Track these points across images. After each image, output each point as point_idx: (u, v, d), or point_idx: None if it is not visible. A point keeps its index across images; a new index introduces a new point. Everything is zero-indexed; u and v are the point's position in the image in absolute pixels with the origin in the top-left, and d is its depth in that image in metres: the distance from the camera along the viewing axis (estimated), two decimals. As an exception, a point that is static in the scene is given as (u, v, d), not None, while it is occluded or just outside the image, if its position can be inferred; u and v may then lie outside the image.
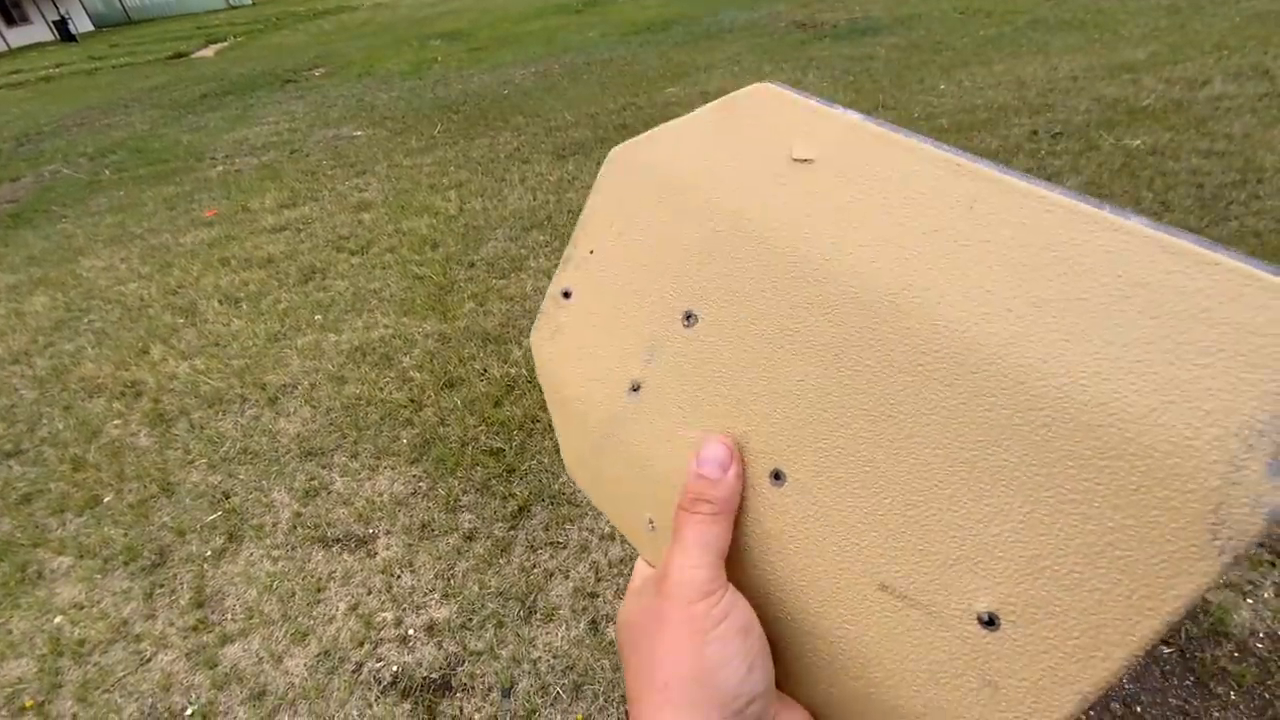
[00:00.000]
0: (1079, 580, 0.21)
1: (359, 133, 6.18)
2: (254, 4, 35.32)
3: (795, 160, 0.30)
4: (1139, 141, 3.61)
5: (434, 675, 1.61)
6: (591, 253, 0.38)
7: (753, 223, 0.31)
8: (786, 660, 0.31)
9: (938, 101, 4.68)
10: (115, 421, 2.66)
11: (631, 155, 0.38)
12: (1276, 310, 0.18)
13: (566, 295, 0.40)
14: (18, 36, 28.67)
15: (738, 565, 0.31)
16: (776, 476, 0.30)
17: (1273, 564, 1.55)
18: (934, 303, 0.25)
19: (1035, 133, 3.95)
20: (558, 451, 2.32)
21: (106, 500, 2.28)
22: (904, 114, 4.54)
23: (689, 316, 0.33)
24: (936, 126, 4.25)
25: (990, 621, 0.23)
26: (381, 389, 2.60)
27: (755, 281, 0.30)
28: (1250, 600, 1.50)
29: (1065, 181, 3.32)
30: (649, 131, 0.37)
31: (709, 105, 0.35)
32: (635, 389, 0.35)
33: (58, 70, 15.57)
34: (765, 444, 0.30)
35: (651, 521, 0.36)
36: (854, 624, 0.27)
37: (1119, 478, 0.20)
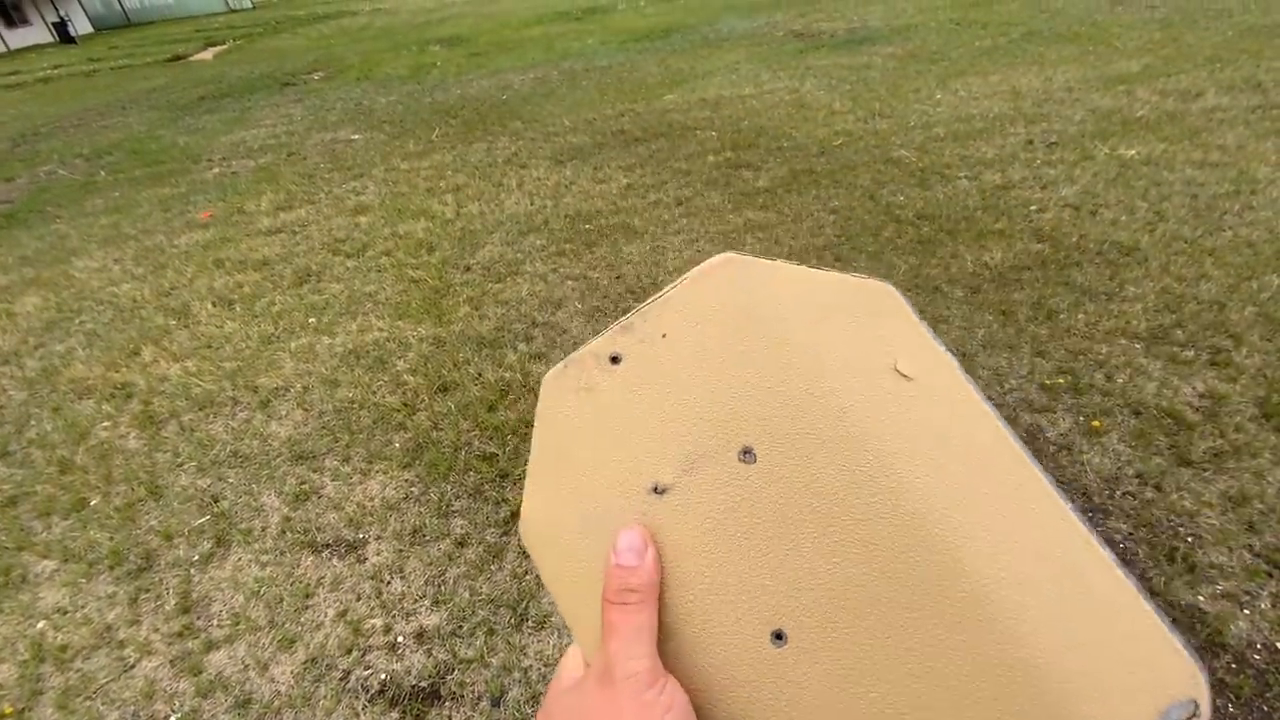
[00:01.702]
0: None
1: (357, 136, 6.18)
2: (254, 8, 35.41)
3: (897, 371, 0.32)
4: (1134, 152, 3.63)
5: (423, 684, 1.58)
6: (664, 336, 0.37)
7: (843, 405, 0.32)
8: None
9: (934, 111, 4.71)
10: (104, 423, 2.63)
11: (745, 271, 0.36)
12: (1165, 655, 0.27)
13: (615, 360, 0.38)
14: (17, 38, 28.66)
15: (701, 685, 0.34)
16: (779, 636, 0.32)
17: (1269, 574, 1.54)
18: (970, 551, 0.29)
19: (1031, 142, 3.97)
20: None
21: (93, 503, 2.25)
22: (900, 122, 4.56)
23: (747, 452, 0.33)
24: (933, 135, 4.27)
25: None
26: (375, 393, 2.58)
27: (827, 458, 0.32)
28: (1247, 611, 1.48)
29: (1059, 191, 3.34)
30: (772, 261, 0.37)
31: (836, 275, 0.35)
32: (659, 491, 0.35)
33: (56, 71, 15.55)
34: (779, 602, 0.32)
35: None
36: None
37: None
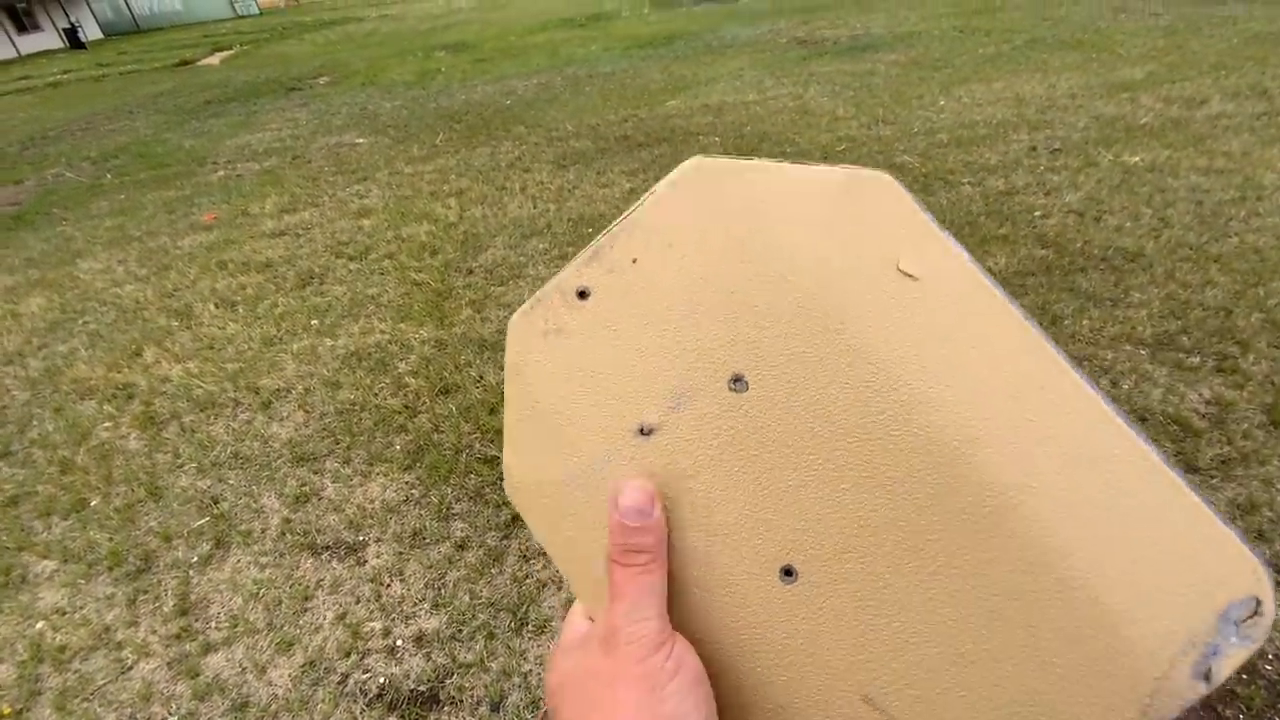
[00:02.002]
0: None
1: (361, 140, 6.20)
2: (261, 14, 35.72)
3: (900, 271, 0.29)
4: (1138, 158, 3.63)
5: (421, 688, 1.57)
6: (635, 262, 0.33)
7: (844, 320, 0.29)
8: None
9: (937, 117, 4.71)
10: (106, 424, 2.63)
11: (719, 179, 0.33)
12: (1221, 552, 0.24)
13: (583, 295, 0.34)
14: (28, 43, 28.97)
15: (706, 629, 0.32)
16: (788, 572, 0.30)
17: (1279, 584, 1.52)
18: (994, 464, 0.27)
19: (1034, 148, 3.97)
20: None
21: (94, 504, 2.25)
22: (904, 129, 4.57)
23: (738, 380, 0.31)
24: (936, 141, 4.27)
25: None
26: (376, 395, 2.57)
27: (827, 376, 0.29)
28: (1256, 620, 1.47)
29: (1063, 197, 3.33)
30: (747, 160, 0.33)
31: (824, 169, 0.31)
32: (646, 432, 0.32)
33: (66, 76, 15.69)
34: (785, 536, 0.30)
35: None
36: None
37: (1090, 651, 0.25)
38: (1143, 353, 2.27)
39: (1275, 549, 1.60)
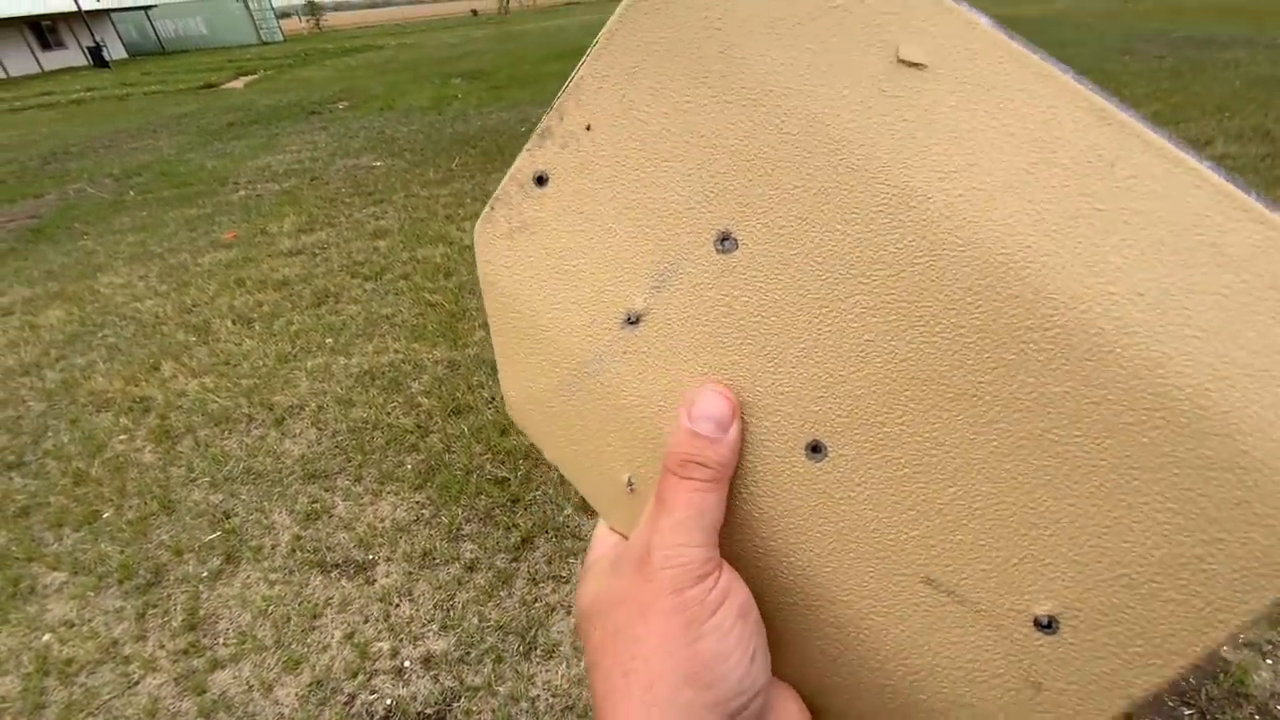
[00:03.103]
0: (1156, 590, 0.21)
1: (378, 163, 6.34)
2: (285, 40, 36.76)
3: (902, 62, 0.23)
4: (1144, 196, 3.67)
5: (429, 710, 1.56)
6: (589, 129, 0.28)
7: (841, 137, 0.24)
8: (784, 643, 0.28)
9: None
10: (121, 437, 2.65)
11: (667, 4, 0.27)
12: None
13: (540, 181, 0.30)
14: (52, 60, 29.83)
15: (736, 537, 0.28)
16: (815, 449, 0.26)
17: (1295, 625, 1.51)
18: (1055, 271, 0.21)
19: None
20: (561, 481, 2.31)
21: (105, 516, 2.26)
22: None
23: (725, 239, 0.26)
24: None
25: (1048, 625, 0.23)
26: (389, 414, 2.60)
27: (829, 210, 0.24)
28: (1270, 661, 1.45)
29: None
30: None
31: None
32: (633, 321, 0.29)
33: (89, 94, 16.12)
34: (806, 409, 0.26)
35: (631, 483, 0.31)
36: (885, 616, 0.26)
37: (1225, 491, 0.20)
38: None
39: (1290, 590, 1.59)
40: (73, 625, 1.87)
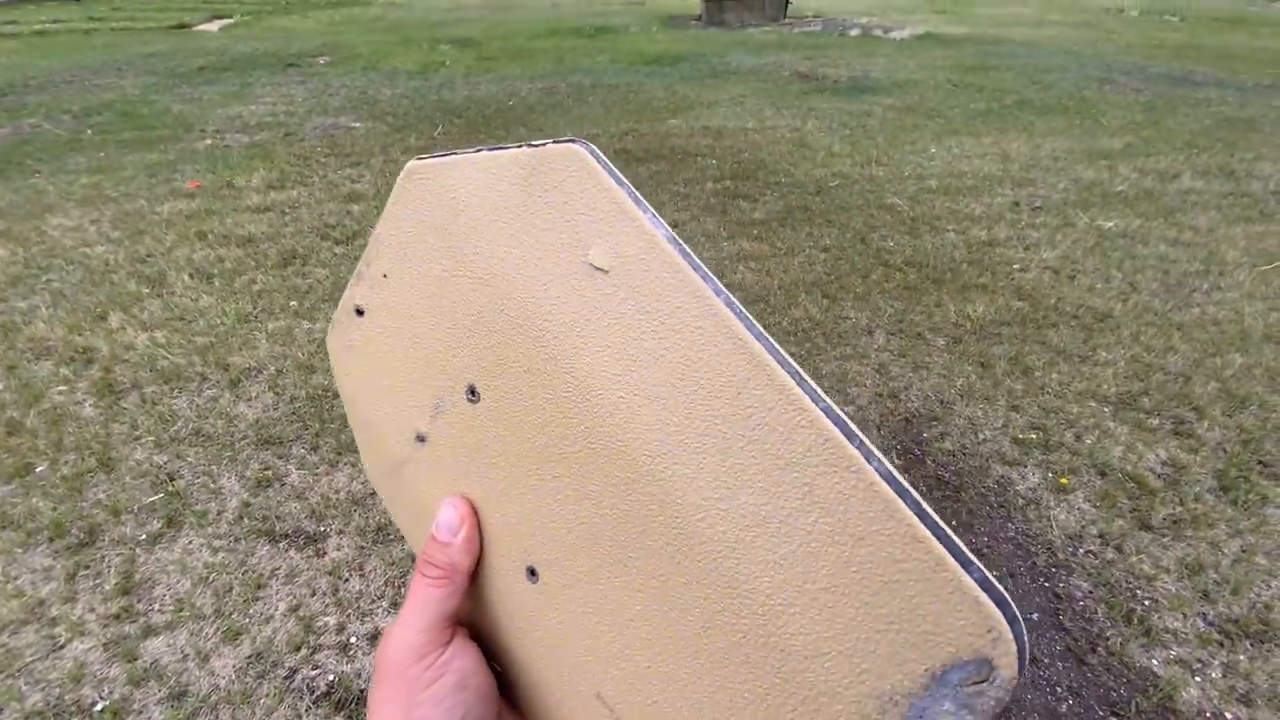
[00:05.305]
0: None
1: (358, 124, 6.13)
2: (265, -13, 35.08)
3: (591, 265, 0.26)
4: (1112, 224, 3.79)
5: (372, 688, 1.52)
6: (385, 277, 0.35)
7: (543, 327, 0.28)
8: (535, 710, 0.34)
9: (928, 164, 4.86)
10: (60, 387, 2.52)
11: (430, 178, 0.32)
12: (945, 600, 0.20)
13: (360, 313, 0.37)
14: (14, -14, 27.97)
15: (489, 622, 0.33)
16: (532, 573, 0.31)
17: (1220, 644, 1.58)
18: (682, 481, 0.25)
19: (1017, 204, 4.11)
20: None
21: (39, 470, 2.15)
22: (896, 171, 4.70)
23: (473, 391, 0.31)
24: (926, 187, 4.40)
25: None
26: (351, 383, 2.52)
27: (535, 387, 0.29)
28: (1199, 679, 1.52)
29: (1041, 253, 3.46)
30: (449, 156, 0.32)
31: (515, 152, 0.29)
32: (421, 439, 0.35)
33: (54, 26, 15.18)
34: (526, 539, 0.31)
35: None
36: (569, 717, 0.31)
37: (782, 694, 0.23)
38: (1106, 410, 2.35)
39: (1219, 610, 1.66)
40: (-4, 582, 1.78)
